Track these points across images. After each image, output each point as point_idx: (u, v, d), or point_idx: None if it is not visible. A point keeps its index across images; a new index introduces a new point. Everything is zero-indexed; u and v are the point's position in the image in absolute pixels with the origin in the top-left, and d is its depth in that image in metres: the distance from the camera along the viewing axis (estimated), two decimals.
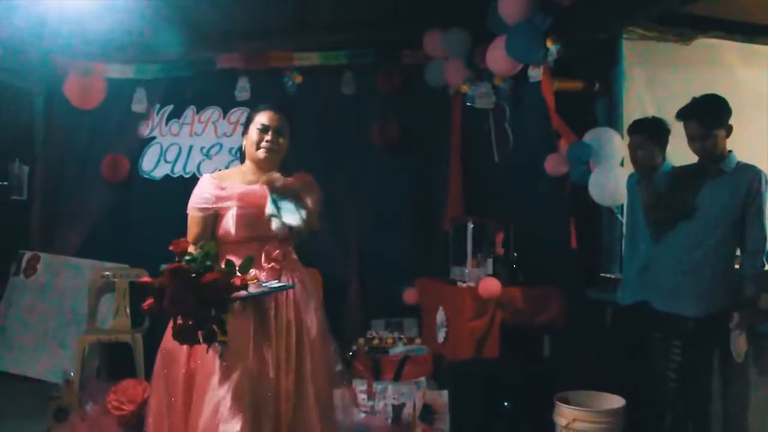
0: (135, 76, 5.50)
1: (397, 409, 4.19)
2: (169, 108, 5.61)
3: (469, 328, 4.31)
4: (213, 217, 2.82)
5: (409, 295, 5.23)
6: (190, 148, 5.61)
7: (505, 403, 3.76)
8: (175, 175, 5.60)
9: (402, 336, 5.05)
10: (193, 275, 2.42)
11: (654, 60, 4.55)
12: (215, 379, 2.60)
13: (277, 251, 2.80)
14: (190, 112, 5.62)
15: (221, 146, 5.62)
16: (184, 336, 2.43)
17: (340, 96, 5.48)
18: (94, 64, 5.41)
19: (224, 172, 3.02)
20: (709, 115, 3.15)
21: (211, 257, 2.50)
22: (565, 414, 3.38)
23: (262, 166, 2.90)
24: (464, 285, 4.50)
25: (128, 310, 5.15)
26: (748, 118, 4.41)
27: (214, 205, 2.81)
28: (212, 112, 5.62)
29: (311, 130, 5.23)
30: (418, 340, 4.99)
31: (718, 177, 3.19)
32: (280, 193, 2.80)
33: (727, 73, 4.62)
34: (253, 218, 2.80)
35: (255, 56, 5.44)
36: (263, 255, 2.78)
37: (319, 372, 2.82)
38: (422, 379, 4.41)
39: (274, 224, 2.78)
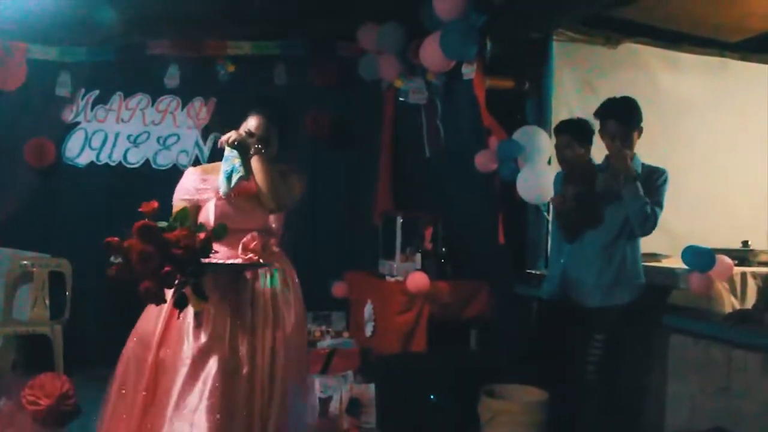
0: (59, 59, 5.32)
1: (324, 403, 4.16)
2: (95, 93, 5.45)
3: (396, 322, 4.34)
4: (195, 209, 2.85)
5: (338, 289, 5.23)
6: (117, 135, 5.48)
7: (432, 397, 3.80)
8: (100, 163, 5.46)
9: (330, 329, 5.05)
10: (159, 232, 2.44)
11: (582, 62, 4.64)
12: (187, 369, 2.61)
13: (255, 243, 2.79)
14: (117, 98, 5.48)
15: (149, 134, 5.50)
16: (150, 296, 2.44)
17: (273, 87, 5.42)
18: (15, 43, 5.19)
19: (208, 165, 3.02)
20: (629, 115, 3.27)
21: (184, 221, 2.53)
22: (489, 406, 3.44)
23: None
24: (393, 279, 4.53)
25: (47, 301, 4.98)
26: (669, 121, 4.60)
27: (195, 197, 2.86)
28: (140, 99, 5.50)
29: (241, 121, 5.13)
30: (346, 334, 5.00)
31: (627, 183, 3.27)
32: (239, 147, 2.77)
33: (650, 78, 4.76)
34: (231, 210, 2.82)
35: (187, 43, 5.34)
36: (240, 246, 2.78)
37: (290, 367, 2.81)
38: (349, 372, 4.40)
39: (221, 188, 2.78)
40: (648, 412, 3.55)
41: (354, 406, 4.03)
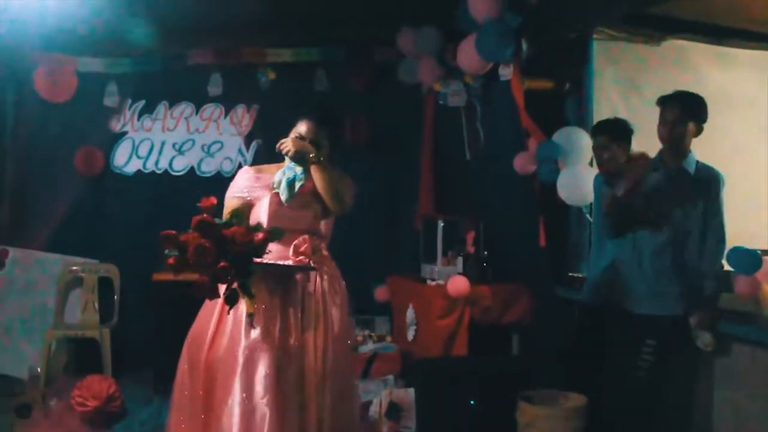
0: (106, 71, 5.46)
1: (364, 407, 4.18)
2: (141, 103, 5.59)
3: (437, 326, 4.32)
4: (247, 207, 2.89)
5: (380, 293, 5.23)
6: (163, 143, 5.60)
7: (472, 402, 3.76)
8: (147, 171, 5.59)
9: (372, 333, 5.04)
10: (218, 227, 2.48)
11: (624, 60, 4.56)
12: (240, 367, 2.66)
13: (305, 245, 2.82)
14: (162, 107, 5.61)
15: (194, 142, 5.61)
16: (204, 290, 2.49)
17: (313, 92, 5.47)
18: (65, 57, 5.36)
19: (263, 166, 3.05)
20: (692, 107, 3.20)
21: (241, 220, 2.57)
22: (526, 412, 3.39)
23: None
24: (434, 283, 4.51)
25: (96, 305, 5.11)
26: (719, 119, 4.44)
27: (248, 195, 2.89)
28: (184, 108, 5.62)
29: (283, 127, 5.19)
30: (389, 338, 4.99)
31: (681, 181, 3.20)
32: (299, 158, 2.81)
33: (696, 75, 4.63)
34: (283, 210, 2.84)
35: (227, 52, 5.43)
36: (291, 248, 2.81)
37: (339, 366, 2.85)
38: (390, 376, 4.41)
39: (283, 195, 2.82)
40: (693, 420, 3.45)
41: (394, 410, 4.02)
